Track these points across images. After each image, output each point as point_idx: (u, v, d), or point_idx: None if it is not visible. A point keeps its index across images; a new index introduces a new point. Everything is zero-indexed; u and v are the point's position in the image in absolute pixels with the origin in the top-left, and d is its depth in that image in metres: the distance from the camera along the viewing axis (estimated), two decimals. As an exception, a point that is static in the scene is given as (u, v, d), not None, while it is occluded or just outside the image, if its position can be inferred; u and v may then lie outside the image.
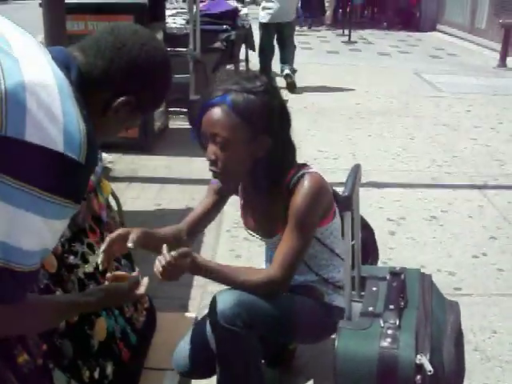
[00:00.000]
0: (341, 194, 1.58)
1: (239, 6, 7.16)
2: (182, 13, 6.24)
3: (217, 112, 1.70)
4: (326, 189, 1.86)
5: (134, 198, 4.05)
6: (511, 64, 10.61)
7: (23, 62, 1.14)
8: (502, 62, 10.58)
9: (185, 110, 5.81)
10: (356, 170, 1.63)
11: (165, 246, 1.69)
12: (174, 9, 6.60)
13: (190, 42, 5.67)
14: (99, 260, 1.76)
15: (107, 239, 1.77)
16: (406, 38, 15.10)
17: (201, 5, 6.24)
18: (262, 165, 1.79)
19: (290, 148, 1.86)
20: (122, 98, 1.33)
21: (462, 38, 14.65)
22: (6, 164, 1.09)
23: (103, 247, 1.75)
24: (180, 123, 5.88)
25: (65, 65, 1.27)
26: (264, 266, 2.18)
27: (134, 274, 1.74)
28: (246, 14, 7.18)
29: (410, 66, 10.34)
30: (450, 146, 5.64)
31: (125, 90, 1.33)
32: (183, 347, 1.95)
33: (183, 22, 5.95)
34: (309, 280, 1.98)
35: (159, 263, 1.65)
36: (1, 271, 1.13)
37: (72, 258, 1.84)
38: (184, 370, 1.96)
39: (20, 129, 1.08)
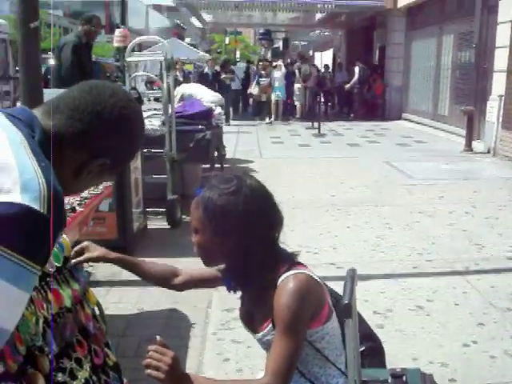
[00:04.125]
0: (341, 298, 1.53)
1: (213, 105, 7.35)
2: (157, 114, 6.36)
3: (194, 202, 1.80)
4: (313, 290, 1.79)
5: (115, 302, 3.96)
6: (477, 148, 10.97)
7: None
8: (468, 147, 10.96)
9: (163, 209, 5.82)
10: (352, 275, 1.62)
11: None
12: (149, 110, 6.72)
13: (166, 142, 5.76)
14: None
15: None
16: (373, 127, 15.58)
17: (175, 106, 6.38)
18: (230, 261, 1.82)
19: (255, 252, 1.77)
20: (98, 161, 1.29)
21: (427, 125, 15.20)
22: None
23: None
24: (158, 223, 5.86)
25: (27, 123, 1.22)
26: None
27: None
28: (220, 113, 7.36)
29: (379, 154, 10.61)
30: (428, 232, 5.70)
31: (101, 152, 1.30)
32: None
33: (159, 123, 6.05)
34: None
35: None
36: None
37: (60, 375, 1.77)
38: None
39: None
